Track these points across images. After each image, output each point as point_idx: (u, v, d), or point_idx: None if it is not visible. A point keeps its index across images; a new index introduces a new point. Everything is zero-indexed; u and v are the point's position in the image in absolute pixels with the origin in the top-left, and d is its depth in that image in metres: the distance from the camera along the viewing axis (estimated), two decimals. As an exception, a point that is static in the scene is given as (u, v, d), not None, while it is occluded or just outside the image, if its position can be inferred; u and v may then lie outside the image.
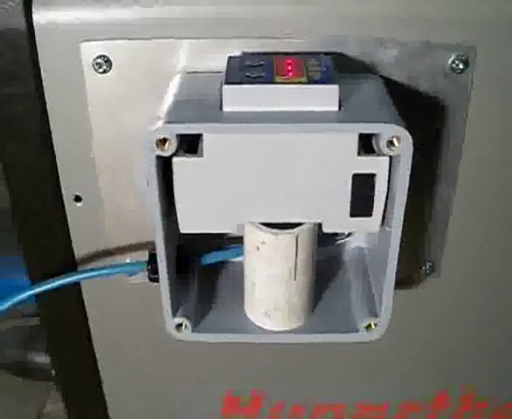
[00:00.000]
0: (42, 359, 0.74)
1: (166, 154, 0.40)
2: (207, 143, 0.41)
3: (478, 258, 0.58)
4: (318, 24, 0.46)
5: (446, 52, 0.47)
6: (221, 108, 0.41)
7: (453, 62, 0.47)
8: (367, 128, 0.40)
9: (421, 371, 0.67)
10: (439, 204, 0.54)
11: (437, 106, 0.49)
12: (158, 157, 0.40)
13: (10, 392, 1.21)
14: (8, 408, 1.21)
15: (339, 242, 0.53)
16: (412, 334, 0.63)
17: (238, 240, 0.49)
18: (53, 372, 0.67)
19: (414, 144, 0.40)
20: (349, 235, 0.52)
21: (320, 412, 0.71)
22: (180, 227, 0.45)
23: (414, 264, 0.57)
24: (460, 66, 0.47)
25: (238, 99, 0.40)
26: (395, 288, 0.48)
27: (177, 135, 0.40)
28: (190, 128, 0.40)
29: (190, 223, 0.45)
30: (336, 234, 0.52)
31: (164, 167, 0.42)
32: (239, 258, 0.51)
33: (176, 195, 0.43)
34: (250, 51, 0.46)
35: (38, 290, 0.52)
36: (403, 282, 0.57)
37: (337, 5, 0.46)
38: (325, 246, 0.52)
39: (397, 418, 0.71)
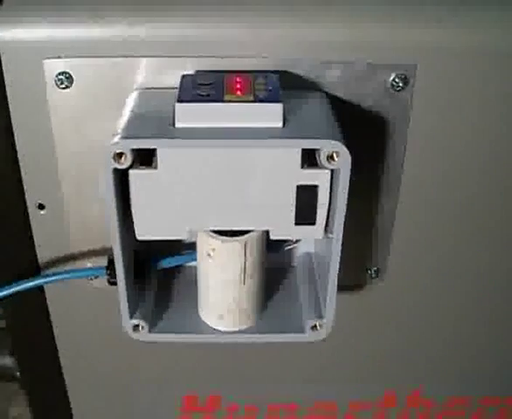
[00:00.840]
0: (6, 361, 0.75)
1: (122, 166, 0.42)
2: (161, 157, 0.43)
3: (420, 264, 0.60)
4: (270, 46, 0.49)
5: (386, 71, 0.49)
6: (174, 124, 0.43)
7: (394, 80, 0.49)
8: (308, 144, 0.43)
9: (368, 371, 0.69)
10: (383, 214, 0.56)
11: (379, 122, 0.51)
12: (115, 170, 0.42)
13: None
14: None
15: (288, 248, 0.55)
16: (359, 336, 0.65)
17: (194, 246, 0.51)
18: (18, 373, 0.68)
19: (354, 159, 0.42)
20: (297, 241, 0.55)
21: (274, 411, 0.73)
22: (136, 234, 0.47)
23: (360, 269, 0.59)
24: (400, 84, 0.49)
25: (190, 116, 0.43)
26: (342, 292, 0.50)
27: (133, 150, 0.42)
28: (144, 143, 0.42)
29: (145, 230, 0.47)
30: (285, 240, 0.54)
31: (122, 177, 0.44)
32: (194, 263, 0.53)
33: (132, 205, 0.45)
34: (205, 68, 0.48)
35: (1, 294, 0.54)
36: (349, 286, 0.60)
37: (288, 29, 0.49)
38: (275, 252, 0.54)
39: (347, 417, 0.74)
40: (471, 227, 0.58)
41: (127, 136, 0.42)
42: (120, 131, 0.43)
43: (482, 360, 0.70)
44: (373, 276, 0.60)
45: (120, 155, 0.42)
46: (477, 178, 0.55)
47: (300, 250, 0.57)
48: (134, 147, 0.42)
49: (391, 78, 0.49)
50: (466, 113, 0.52)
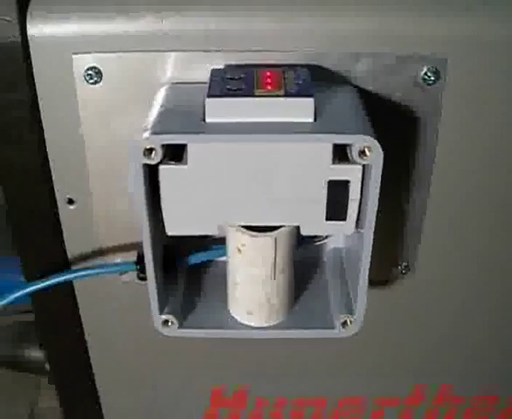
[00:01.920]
0: (36, 353, 0.76)
1: (152, 162, 0.42)
2: (191, 152, 0.43)
3: (451, 259, 0.60)
4: (299, 39, 0.48)
5: (418, 65, 0.49)
6: (204, 119, 0.43)
7: (425, 74, 0.49)
8: (339, 139, 0.42)
9: (397, 367, 0.69)
10: (414, 208, 0.56)
11: (410, 116, 0.51)
12: (145, 165, 0.43)
13: (3, 385, 1.22)
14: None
15: (318, 243, 0.55)
16: (389, 331, 0.65)
17: (223, 241, 0.51)
18: (47, 366, 0.69)
19: (385, 153, 0.42)
20: (327, 236, 0.54)
21: (300, 406, 0.73)
22: (166, 229, 0.47)
23: (390, 264, 0.59)
24: (432, 78, 0.49)
25: (220, 110, 0.42)
26: (372, 287, 0.50)
27: (163, 145, 0.42)
28: (175, 139, 0.42)
29: (175, 226, 0.47)
30: (315, 236, 0.54)
31: (151, 172, 0.44)
32: (224, 258, 0.53)
33: (162, 200, 0.45)
34: (234, 62, 0.48)
35: (32, 288, 0.54)
36: (379, 281, 0.59)
37: (317, 22, 0.48)
38: (305, 247, 0.54)
39: (374, 412, 0.73)
40: (502, 222, 0.58)
41: (157, 131, 0.42)
42: (150, 126, 0.43)
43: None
44: (403, 271, 0.59)
45: (150, 151, 0.42)
46: (509, 172, 0.55)
47: (330, 244, 0.57)
48: (165, 142, 0.42)
49: (423, 71, 0.49)
50: (497, 107, 0.51)
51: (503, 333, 0.67)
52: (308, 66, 0.48)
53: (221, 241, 0.53)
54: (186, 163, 0.43)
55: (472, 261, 0.60)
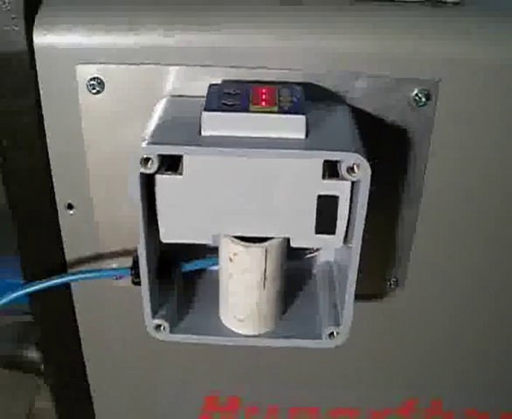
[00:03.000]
0: (32, 354, 0.77)
1: (149, 171, 0.44)
2: (186, 163, 0.44)
3: (441, 274, 0.61)
4: (298, 57, 0.50)
5: (410, 86, 0.50)
6: (200, 132, 0.44)
7: (416, 95, 0.50)
8: (329, 156, 0.44)
9: (388, 379, 0.70)
10: (404, 225, 0.57)
11: (402, 135, 0.52)
12: (142, 174, 0.44)
13: (0, 385, 1.23)
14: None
15: (308, 256, 0.56)
16: (378, 345, 0.66)
17: (217, 250, 0.52)
18: (42, 367, 0.70)
19: (376, 170, 0.43)
20: (317, 249, 0.56)
21: (294, 415, 0.74)
22: (161, 236, 0.48)
23: (379, 279, 0.60)
24: (423, 100, 0.50)
25: (216, 124, 0.44)
26: (362, 301, 0.51)
27: (159, 155, 0.43)
28: (171, 150, 0.44)
29: (170, 234, 0.48)
30: (306, 248, 0.56)
31: (148, 182, 0.45)
32: (217, 267, 0.54)
33: (158, 208, 0.46)
34: (234, 78, 0.50)
35: (29, 289, 0.55)
36: (369, 295, 0.60)
37: (317, 41, 0.50)
38: (297, 260, 0.56)
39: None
40: (492, 238, 0.59)
41: (154, 142, 0.43)
42: (147, 137, 0.44)
43: (506, 373, 0.70)
44: (392, 286, 0.60)
45: (147, 160, 0.43)
46: (499, 193, 0.56)
47: (321, 258, 0.58)
48: (161, 153, 0.43)
49: (414, 93, 0.50)
50: (488, 128, 0.53)
51: (494, 348, 0.68)
52: (305, 84, 0.49)
53: (217, 250, 0.54)
54: (181, 174, 0.45)
55: (461, 277, 0.61)
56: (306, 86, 0.49)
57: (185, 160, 0.44)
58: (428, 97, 0.50)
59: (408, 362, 0.68)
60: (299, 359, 0.67)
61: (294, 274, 0.55)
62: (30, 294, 0.57)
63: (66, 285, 0.61)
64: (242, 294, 0.51)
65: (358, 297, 0.50)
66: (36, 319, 0.64)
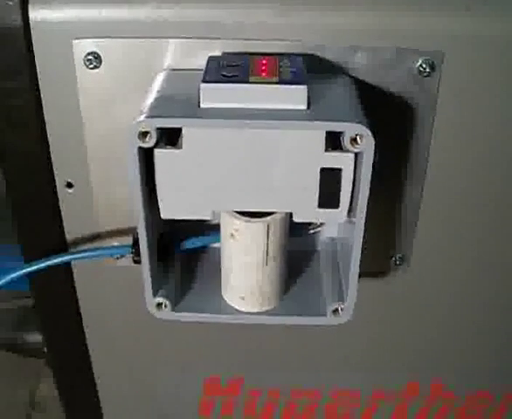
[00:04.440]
0: (35, 337, 0.77)
1: (147, 145, 0.43)
2: (186, 136, 0.43)
3: (446, 251, 0.60)
4: (299, 32, 0.49)
5: (413, 56, 0.49)
6: (199, 105, 0.43)
7: (421, 65, 0.49)
8: (332, 127, 0.43)
9: (392, 359, 0.69)
10: (409, 200, 0.56)
11: (406, 107, 0.51)
12: (140, 148, 0.43)
13: (3, 373, 1.23)
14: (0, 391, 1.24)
15: (312, 232, 0.55)
16: (382, 323, 0.65)
17: (218, 227, 0.52)
18: (45, 349, 0.69)
19: (380, 145, 0.42)
20: (321, 225, 0.55)
21: (295, 397, 0.73)
22: (161, 213, 0.47)
23: (384, 256, 0.59)
24: (427, 70, 0.49)
25: (215, 96, 0.43)
26: (366, 278, 0.51)
27: (158, 128, 0.42)
28: (169, 122, 0.43)
29: (170, 209, 0.47)
30: (310, 224, 0.55)
31: (147, 157, 0.44)
32: (218, 245, 0.53)
33: (157, 184, 0.46)
34: (232, 51, 0.49)
35: (30, 269, 0.55)
36: (373, 273, 0.60)
37: (317, 16, 0.49)
38: (300, 236, 0.55)
39: (369, 404, 0.74)
40: (498, 216, 0.58)
41: (152, 115, 0.43)
42: (145, 110, 0.43)
43: (510, 354, 0.70)
44: (397, 263, 0.60)
45: (145, 134, 0.42)
46: (503, 167, 0.55)
47: (325, 234, 0.57)
48: (159, 125, 0.42)
49: (418, 63, 0.49)
50: (493, 102, 0.52)
51: (499, 328, 0.67)
52: (306, 56, 0.48)
53: (218, 227, 0.53)
54: (181, 147, 0.44)
55: (467, 254, 0.60)
56: (307, 59, 0.48)
57: (184, 133, 0.43)
58: (433, 67, 0.49)
59: (412, 341, 0.67)
60: (300, 341, 0.67)
61: (297, 254, 0.55)
62: (31, 278, 0.57)
63: (67, 268, 0.61)
64: (244, 271, 0.51)
65: (363, 274, 0.49)
66: (36, 302, 0.64)
